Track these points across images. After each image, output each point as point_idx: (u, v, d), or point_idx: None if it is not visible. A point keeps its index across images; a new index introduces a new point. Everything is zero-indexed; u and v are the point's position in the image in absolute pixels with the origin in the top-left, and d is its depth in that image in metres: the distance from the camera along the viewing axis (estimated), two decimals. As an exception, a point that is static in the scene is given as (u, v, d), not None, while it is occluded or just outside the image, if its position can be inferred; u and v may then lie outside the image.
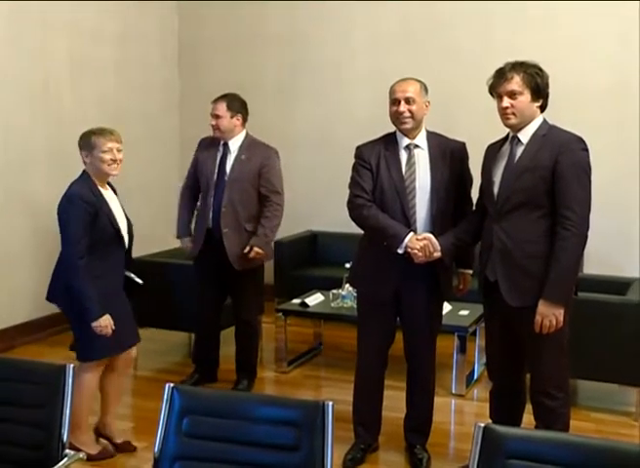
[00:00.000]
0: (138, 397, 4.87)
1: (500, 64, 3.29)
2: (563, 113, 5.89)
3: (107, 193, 3.80)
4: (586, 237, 3.17)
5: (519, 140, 3.25)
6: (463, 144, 3.72)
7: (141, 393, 4.88)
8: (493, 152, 3.39)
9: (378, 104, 6.60)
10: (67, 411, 2.47)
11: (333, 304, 5.18)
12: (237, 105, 4.67)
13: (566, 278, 3.18)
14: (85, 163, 3.74)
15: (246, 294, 4.79)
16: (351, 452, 3.86)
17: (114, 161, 3.72)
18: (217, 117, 4.63)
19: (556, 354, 3.27)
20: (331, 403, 2.21)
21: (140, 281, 3.99)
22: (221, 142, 4.70)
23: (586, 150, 3.19)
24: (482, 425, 2.06)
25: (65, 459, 2.43)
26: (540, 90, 3.20)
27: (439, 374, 4.12)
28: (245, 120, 4.72)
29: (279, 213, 4.70)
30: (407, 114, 3.57)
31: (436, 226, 3.60)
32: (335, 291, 5.20)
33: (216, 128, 4.65)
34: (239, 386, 4.83)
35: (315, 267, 6.57)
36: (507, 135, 3.34)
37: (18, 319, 5.79)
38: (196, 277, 4.86)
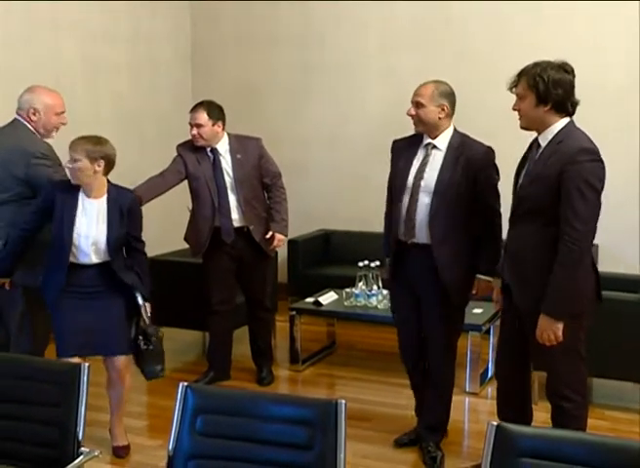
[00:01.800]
0: (152, 395, 4.89)
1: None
2: (580, 112, 5.88)
3: (90, 202, 3.74)
4: (588, 253, 3.09)
5: (539, 144, 3.18)
6: (486, 150, 3.66)
7: (156, 391, 4.90)
8: (528, 151, 3.32)
9: (390, 104, 6.65)
10: (82, 410, 2.49)
11: (346, 303, 5.18)
12: (216, 113, 4.67)
13: (563, 293, 3.08)
14: (94, 172, 3.75)
15: (267, 282, 4.98)
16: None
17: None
18: (198, 126, 4.61)
19: (570, 358, 3.23)
20: (343, 401, 2.21)
21: (140, 302, 3.89)
22: (208, 149, 4.71)
23: (596, 160, 3.05)
24: (495, 424, 2.06)
25: (81, 457, 2.46)
26: (543, 94, 3.06)
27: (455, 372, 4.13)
28: (224, 125, 4.72)
29: (285, 195, 4.87)
30: (415, 118, 3.67)
31: (433, 229, 3.61)
32: (348, 289, 5.20)
33: (198, 137, 4.63)
34: (263, 374, 4.98)
35: (329, 266, 6.57)
36: None
37: None
38: (208, 277, 4.88)
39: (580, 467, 1.96)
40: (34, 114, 4.08)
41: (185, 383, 2.37)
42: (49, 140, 4.16)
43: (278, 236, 4.77)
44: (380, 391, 4.81)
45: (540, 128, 3.16)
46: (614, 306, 4.29)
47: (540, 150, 3.16)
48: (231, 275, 4.86)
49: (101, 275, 3.76)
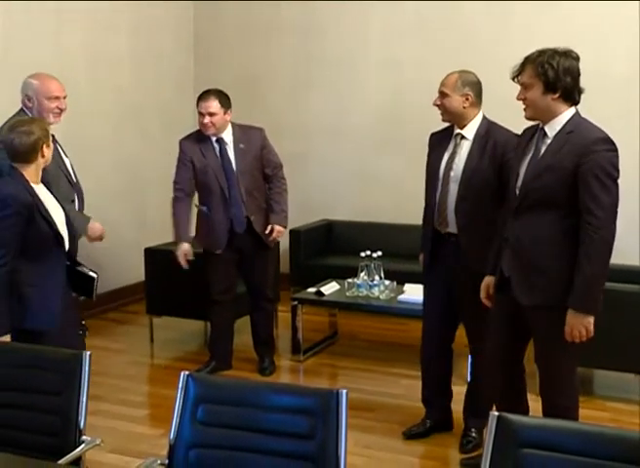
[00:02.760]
0: (153, 385, 4.91)
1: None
2: (583, 101, 5.86)
3: (40, 188, 3.36)
4: (612, 243, 3.04)
5: (545, 134, 3.11)
6: (508, 136, 3.63)
7: (157, 381, 4.92)
8: (524, 141, 3.25)
9: (392, 94, 6.64)
10: (84, 399, 2.50)
11: (348, 293, 5.18)
12: (226, 101, 4.66)
13: (592, 286, 3.02)
14: (41, 157, 3.35)
15: (268, 273, 5.00)
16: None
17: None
18: (211, 114, 4.58)
19: (567, 355, 3.22)
20: (345, 391, 2.21)
21: (93, 274, 3.56)
22: (214, 139, 4.70)
23: (613, 150, 3.01)
24: (496, 414, 2.05)
25: (82, 446, 2.46)
26: (552, 82, 2.99)
27: (456, 363, 4.14)
28: (231, 114, 4.73)
29: (285, 186, 4.90)
30: (441, 108, 3.70)
31: (459, 216, 3.63)
32: (350, 279, 5.20)
33: (210, 125, 4.61)
34: (265, 364, 4.97)
35: (331, 256, 6.56)
36: (538, 124, 3.20)
37: None
38: (209, 267, 4.87)
39: (581, 457, 1.96)
40: (29, 101, 4.06)
41: (187, 372, 2.37)
42: (52, 126, 4.10)
43: (277, 228, 4.78)
44: (381, 381, 4.82)
45: (547, 117, 3.09)
46: (614, 297, 4.28)
47: (548, 141, 3.09)
48: (232, 265, 4.86)
49: None
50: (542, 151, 3.11)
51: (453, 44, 6.32)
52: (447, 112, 3.69)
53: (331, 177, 6.95)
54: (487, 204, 3.62)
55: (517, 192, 3.18)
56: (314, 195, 6.89)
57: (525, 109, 3.15)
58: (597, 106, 5.90)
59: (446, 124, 3.84)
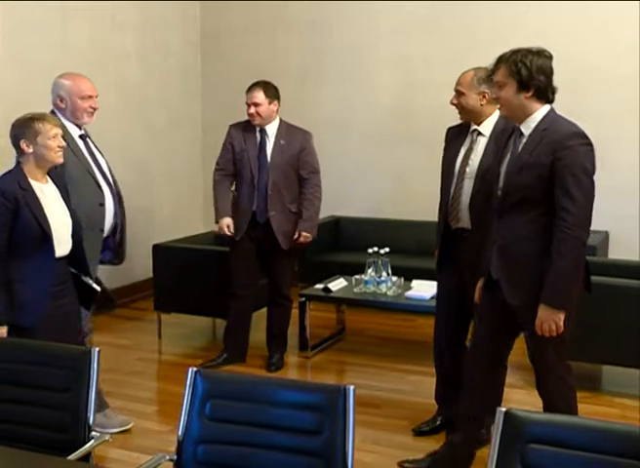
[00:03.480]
0: (161, 381, 4.93)
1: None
2: (589, 98, 5.84)
3: (45, 188, 3.33)
4: (585, 239, 3.02)
5: (522, 133, 3.12)
6: None
7: (165, 377, 4.94)
8: (503, 141, 3.28)
9: (401, 89, 6.64)
10: (93, 395, 2.51)
11: (356, 290, 5.18)
12: (273, 92, 4.78)
13: (563, 283, 3.02)
14: (22, 154, 3.29)
15: (285, 271, 5.01)
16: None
17: (60, 148, 3.34)
18: (256, 105, 4.71)
19: (561, 351, 3.21)
20: (352, 387, 2.22)
21: (97, 288, 3.55)
22: (258, 129, 4.80)
23: (587, 144, 3.02)
24: (503, 409, 2.06)
25: (92, 442, 2.47)
26: (525, 80, 3.01)
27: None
28: (279, 105, 4.83)
29: (319, 194, 4.93)
30: (458, 107, 3.69)
31: (473, 212, 3.64)
32: (358, 276, 5.21)
33: (256, 115, 4.73)
34: (273, 360, 4.99)
35: (338, 252, 6.57)
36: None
37: None
38: (231, 259, 4.96)
39: (589, 453, 1.96)
40: (61, 102, 3.95)
41: (195, 368, 2.38)
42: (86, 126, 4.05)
43: (304, 234, 4.85)
44: (389, 377, 4.82)
45: (522, 116, 3.09)
46: (623, 293, 4.29)
47: (524, 139, 3.10)
48: (253, 259, 4.92)
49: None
50: (520, 150, 3.12)
51: (461, 40, 6.30)
52: (464, 111, 3.67)
53: (339, 173, 6.94)
54: None
55: (499, 192, 3.19)
56: (322, 191, 6.89)
57: (499, 108, 3.19)
58: (603, 103, 5.95)
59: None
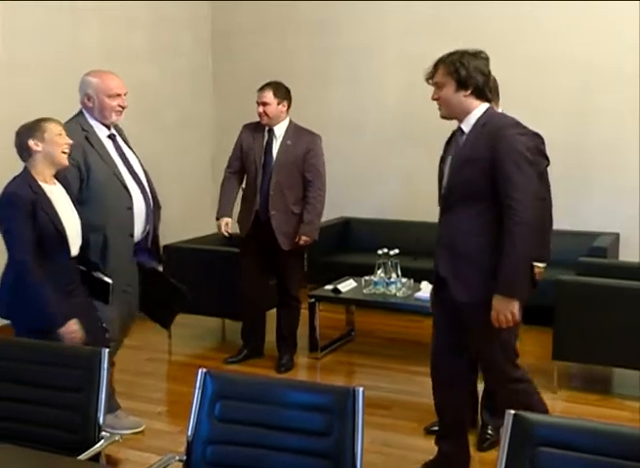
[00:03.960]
0: (171, 381, 4.94)
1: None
2: (598, 96, 5.82)
3: (54, 189, 3.34)
4: (533, 225, 3.03)
5: (462, 131, 3.18)
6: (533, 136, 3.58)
7: (175, 377, 4.95)
8: (449, 143, 3.32)
9: (410, 89, 6.62)
10: (103, 396, 2.52)
11: (365, 291, 5.18)
12: (283, 92, 4.84)
13: (516, 270, 3.04)
14: (30, 155, 3.28)
15: (292, 272, 5.02)
16: None
17: (68, 146, 3.33)
18: (264, 104, 4.77)
19: (508, 347, 3.23)
20: (361, 389, 2.22)
21: (109, 280, 3.55)
22: (266, 128, 4.85)
23: (524, 134, 3.09)
24: (512, 412, 2.05)
25: (102, 442, 2.48)
26: (463, 79, 3.08)
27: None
28: (289, 107, 4.88)
29: (322, 197, 4.94)
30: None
31: None
32: (367, 277, 5.21)
33: (264, 114, 4.79)
34: (282, 361, 5.02)
35: (348, 253, 6.57)
36: None
37: None
38: (242, 259, 5.02)
39: (598, 456, 1.96)
40: (89, 100, 3.81)
41: (205, 369, 2.39)
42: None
43: (303, 237, 4.86)
44: (398, 379, 4.82)
45: (461, 115, 3.16)
46: (633, 296, 4.27)
47: (465, 136, 3.15)
48: (261, 258, 4.95)
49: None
50: (460, 147, 3.18)
51: (469, 41, 6.22)
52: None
53: (348, 174, 6.95)
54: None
55: (443, 190, 3.23)
56: (332, 192, 6.82)
57: (439, 109, 3.22)
58: (612, 101, 5.92)
59: None
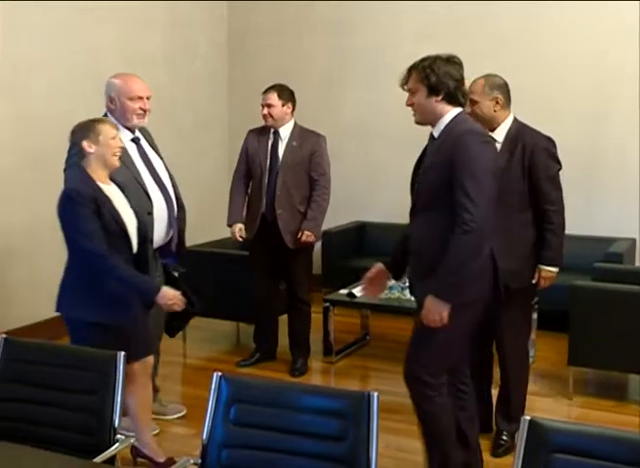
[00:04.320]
0: (186, 385, 4.95)
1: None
2: (609, 100, 5.78)
3: (109, 188, 3.35)
4: (480, 236, 3.00)
5: (433, 137, 3.20)
6: (538, 138, 3.65)
7: (190, 381, 4.96)
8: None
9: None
10: (118, 398, 2.53)
11: (380, 295, 5.16)
12: (287, 95, 4.89)
13: (450, 276, 3.02)
14: (84, 155, 3.29)
15: (300, 274, 5.04)
16: None
17: (119, 149, 3.36)
18: (269, 106, 4.84)
19: (450, 346, 3.25)
20: (376, 393, 2.22)
21: (175, 273, 3.75)
22: (272, 131, 4.91)
23: (484, 142, 3.08)
24: (527, 418, 2.05)
25: (117, 444, 2.50)
26: (434, 85, 3.09)
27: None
28: (294, 109, 4.94)
29: (327, 196, 4.99)
30: (471, 115, 3.62)
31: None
32: (382, 281, 5.19)
33: (268, 116, 4.85)
34: (297, 365, 5.03)
35: (363, 258, 6.54)
36: None
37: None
38: (251, 263, 5.07)
39: (614, 463, 1.95)
40: (111, 102, 3.84)
41: (220, 373, 2.40)
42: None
43: (306, 232, 4.87)
44: (412, 383, 4.80)
45: (434, 120, 3.16)
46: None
47: (435, 141, 3.16)
48: (270, 261, 4.99)
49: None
50: (429, 152, 3.20)
51: (485, 42, 6.26)
52: (478, 119, 3.62)
53: (364, 178, 6.94)
54: (515, 207, 3.62)
55: (414, 197, 3.25)
56: (347, 196, 6.87)
57: (414, 115, 3.25)
58: (625, 105, 5.88)
59: None
